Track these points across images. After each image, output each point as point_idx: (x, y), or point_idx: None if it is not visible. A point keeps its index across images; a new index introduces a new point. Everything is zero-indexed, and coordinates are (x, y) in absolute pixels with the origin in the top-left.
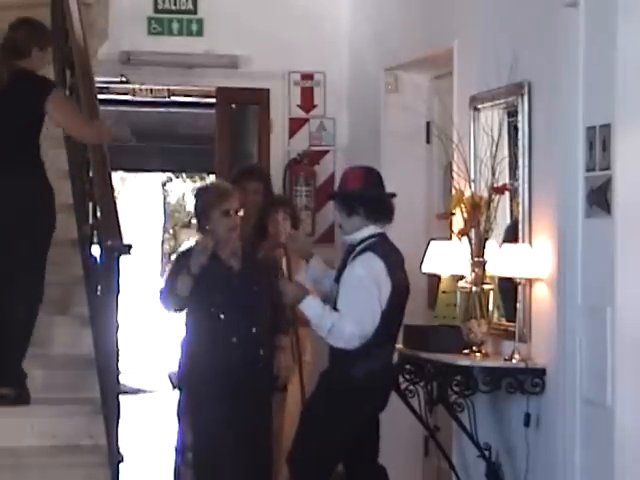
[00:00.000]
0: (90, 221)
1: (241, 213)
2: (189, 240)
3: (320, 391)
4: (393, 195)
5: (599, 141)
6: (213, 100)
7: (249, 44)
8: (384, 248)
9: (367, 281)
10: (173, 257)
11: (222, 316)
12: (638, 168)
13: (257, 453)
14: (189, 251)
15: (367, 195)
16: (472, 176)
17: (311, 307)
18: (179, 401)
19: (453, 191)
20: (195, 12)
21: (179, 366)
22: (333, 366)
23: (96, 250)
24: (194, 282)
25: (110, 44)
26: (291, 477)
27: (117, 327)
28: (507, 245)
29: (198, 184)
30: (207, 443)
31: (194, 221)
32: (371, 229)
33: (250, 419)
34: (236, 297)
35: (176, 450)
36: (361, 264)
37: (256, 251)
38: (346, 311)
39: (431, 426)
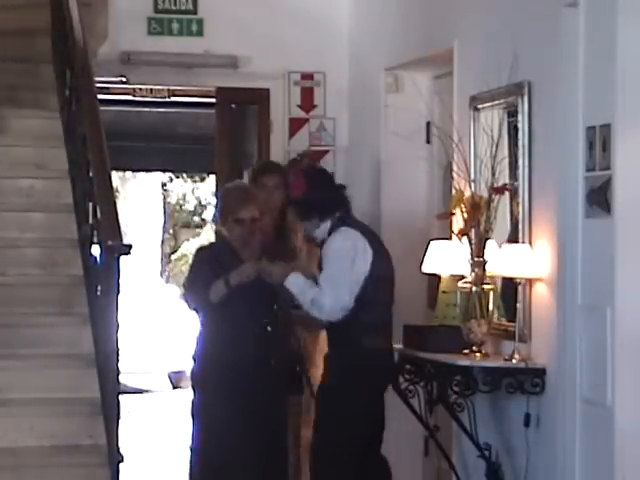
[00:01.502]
0: (90, 221)
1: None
2: (189, 240)
3: (330, 374)
4: (340, 187)
5: (599, 141)
6: (213, 100)
7: (249, 44)
8: (353, 221)
9: (343, 251)
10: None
11: (238, 315)
12: (638, 168)
13: (272, 452)
14: (211, 247)
15: (312, 198)
16: (472, 176)
17: (294, 283)
18: (193, 400)
19: (453, 191)
20: (195, 12)
21: (193, 361)
22: (335, 348)
23: (96, 250)
24: (228, 293)
25: (110, 44)
26: (312, 467)
27: (117, 327)
28: (507, 245)
29: (198, 184)
30: (217, 442)
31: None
32: (332, 219)
33: (264, 418)
34: (253, 297)
35: (191, 450)
36: (335, 237)
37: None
38: (324, 285)
39: (431, 426)
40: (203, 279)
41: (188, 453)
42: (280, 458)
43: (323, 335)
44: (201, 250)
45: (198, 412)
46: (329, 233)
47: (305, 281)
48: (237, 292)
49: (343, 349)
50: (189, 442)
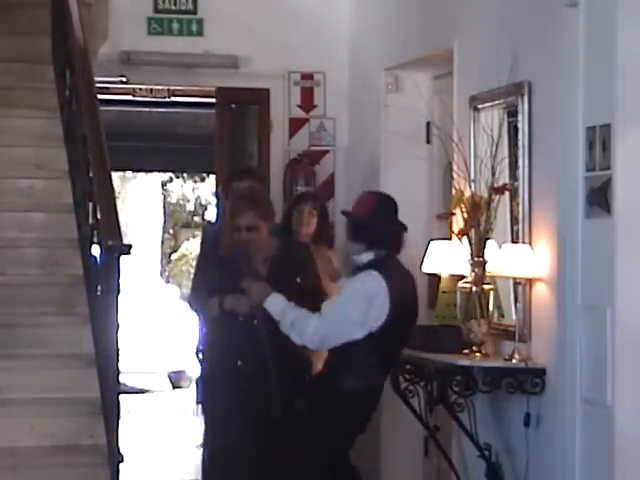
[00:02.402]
0: (90, 221)
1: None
2: (189, 240)
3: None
4: (401, 226)
5: (599, 141)
6: (213, 100)
7: (249, 44)
8: (389, 268)
9: (358, 296)
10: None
11: (239, 319)
12: (638, 168)
13: (276, 453)
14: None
15: (371, 225)
16: (472, 176)
17: (273, 304)
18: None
19: (453, 191)
20: (195, 12)
21: (199, 361)
22: (326, 373)
23: (96, 250)
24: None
25: (110, 44)
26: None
27: (117, 327)
28: (507, 245)
29: (198, 184)
30: (221, 439)
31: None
32: (375, 254)
33: (265, 418)
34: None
35: (203, 447)
36: (360, 279)
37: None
38: (325, 312)
39: (431, 426)
40: (206, 287)
41: (199, 451)
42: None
43: None
44: (210, 226)
45: (204, 409)
46: (364, 266)
47: (286, 303)
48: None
49: (329, 381)
50: (200, 440)
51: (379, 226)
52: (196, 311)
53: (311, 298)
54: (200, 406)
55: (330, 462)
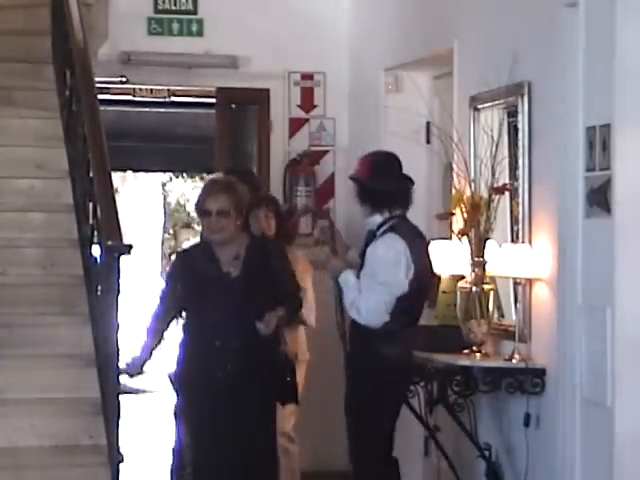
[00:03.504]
0: (90, 221)
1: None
2: (189, 240)
3: (356, 379)
4: (404, 181)
5: (599, 141)
6: (213, 100)
7: (249, 44)
8: (405, 229)
9: (386, 262)
10: (172, 257)
11: (212, 322)
12: (638, 168)
13: (255, 455)
14: (188, 251)
15: (371, 186)
16: (472, 176)
17: (344, 281)
18: (176, 401)
19: (453, 191)
20: (195, 12)
21: (176, 365)
22: (360, 349)
23: (96, 250)
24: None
25: (110, 44)
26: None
27: (117, 327)
28: (507, 245)
29: (198, 184)
30: (201, 444)
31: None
32: (385, 214)
33: (241, 426)
34: (228, 305)
35: (173, 451)
36: (382, 244)
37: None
38: (365, 291)
39: (431, 426)
40: (169, 285)
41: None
42: (265, 459)
43: (302, 335)
44: (178, 255)
45: (179, 414)
46: (377, 229)
47: (355, 281)
48: (211, 309)
49: (361, 351)
50: (172, 443)
51: (379, 186)
52: None
53: (288, 299)
54: (175, 408)
55: (388, 430)
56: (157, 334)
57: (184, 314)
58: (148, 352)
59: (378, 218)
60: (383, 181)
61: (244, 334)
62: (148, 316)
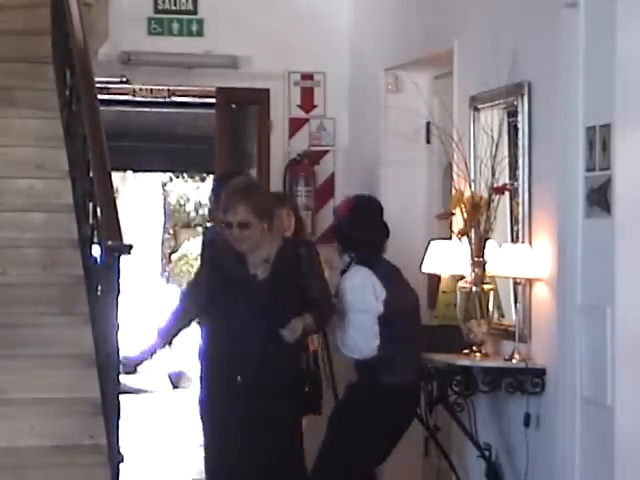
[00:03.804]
0: (90, 221)
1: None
2: (189, 240)
3: (349, 403)
4: (380, 232)
5: (599, 141)
6: (213, 100)
7: (249, 44)
8: (371, 260)
9: (356, 290)
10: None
11: (235, 324)
12: (638, 168)
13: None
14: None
15: (345, 229)
16: (472, 176)
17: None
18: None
19: (453, 191)
20: (195, 12)
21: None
22: (362, 378)
23: (96, 250)
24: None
25: (110, 44)
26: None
27: (117, 327)
28: (507, 245)
29: (198, 184)
30: (218, 447)
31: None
32: (353, 257)
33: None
34: (252, 307)
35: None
36: (348, 277)
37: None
38: (348, 330)
39: (431, 426)
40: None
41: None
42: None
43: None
44: (208, 243)
45: (203, 411)
46: (347, 268)
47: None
48: (235, 311)
49: (363, 382)
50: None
51: (352, 231)
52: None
53: (316, 307)
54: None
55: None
56: (166, 338)
57: (205, 316)
58: (149, 353)
59: (347, 258)
60: (358, 228)
61: (267, 338)
62: (164, 315)
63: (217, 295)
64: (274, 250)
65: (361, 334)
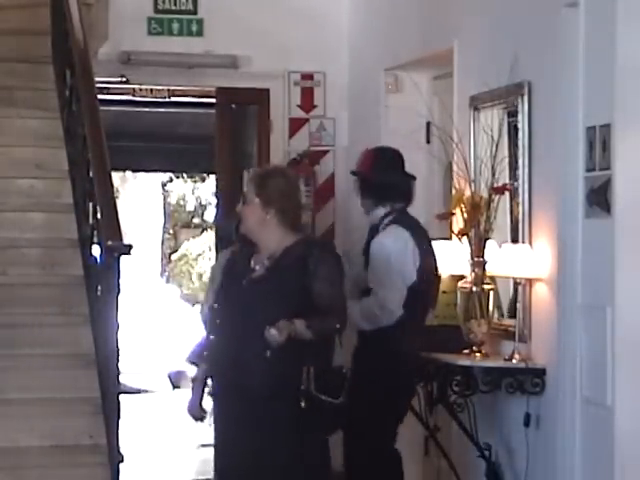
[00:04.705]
0: (90, 221)
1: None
2: (189, 240)
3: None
4: (408, 176)
5: (599, 141)
6: (213, 100)
7: (249, 44)
8: (408, 222)
9: (393, 255)
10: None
11: (229, 323)
12: (638, 168)
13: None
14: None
15: (374, 179)
16: (472, 176)
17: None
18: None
19: (453, 191)
20: (195, 12)
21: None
22: (370, 344)
23: (96, 250)
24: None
25: (110, 44)
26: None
27: (117, 327)
28: (507, 245)
29: (198, 184)
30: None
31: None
32: (387, 207)
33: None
34: (243, 305)
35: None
36: (389, 235)
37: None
38: (382, 292)
39: (431, 426)
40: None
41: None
42: None
43: None
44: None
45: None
46: (380, 222)
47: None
48: (232, 314)
49: (373, 349)
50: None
51: (382, 179)
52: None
53: (318, 315)
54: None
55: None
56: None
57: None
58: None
59: (381, 211)
60: (385, 174)
61: (252, 339)
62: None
63: (221, 293)
64: (282, 248)
65: (395, 296)
